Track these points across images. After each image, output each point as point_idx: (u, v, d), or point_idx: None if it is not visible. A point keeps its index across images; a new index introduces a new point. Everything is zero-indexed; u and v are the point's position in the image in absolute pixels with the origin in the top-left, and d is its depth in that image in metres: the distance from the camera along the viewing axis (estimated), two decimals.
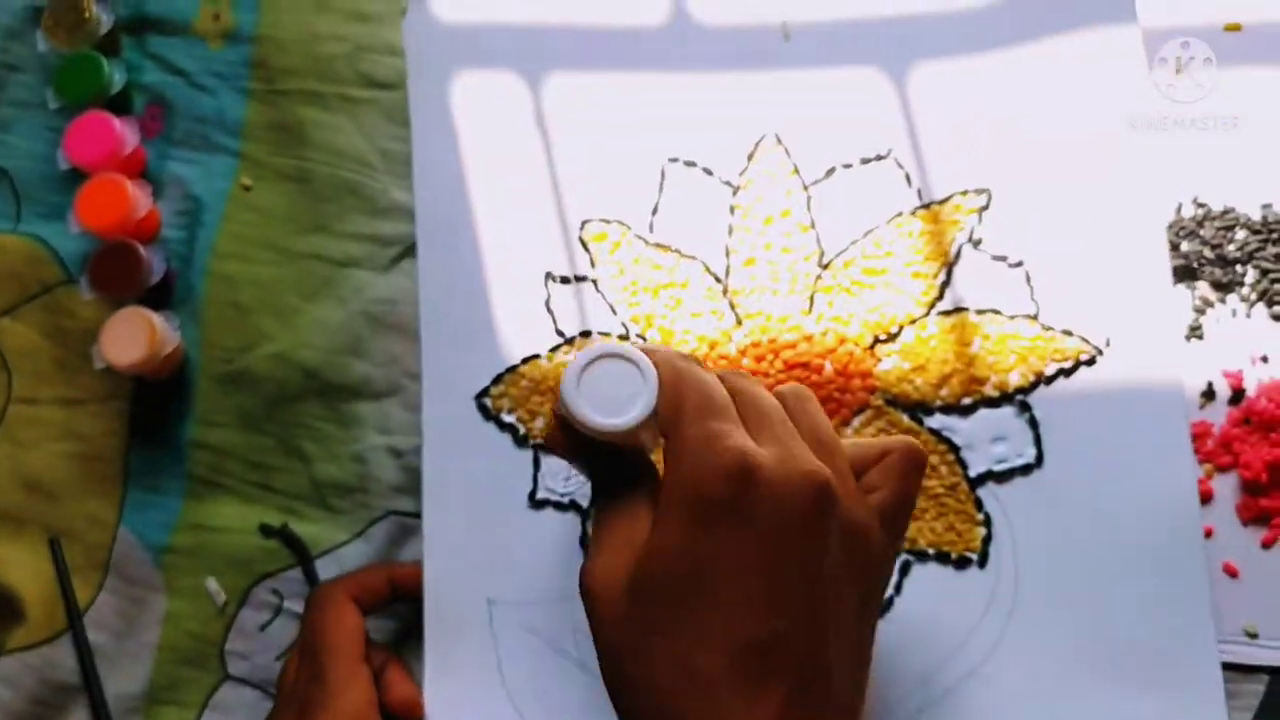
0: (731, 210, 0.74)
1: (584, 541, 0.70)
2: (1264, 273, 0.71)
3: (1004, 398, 0.70)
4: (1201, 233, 0.72)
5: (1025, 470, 0.69)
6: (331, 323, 0.75)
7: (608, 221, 0.75)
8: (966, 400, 0.70)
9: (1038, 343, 0.70)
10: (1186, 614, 0.67)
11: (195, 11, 0.80)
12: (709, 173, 0.75)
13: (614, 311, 0.73)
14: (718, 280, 0.73)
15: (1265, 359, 0.70)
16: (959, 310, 0.71)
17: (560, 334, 0.73)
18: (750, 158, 0.75)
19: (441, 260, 0.75)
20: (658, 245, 0.74)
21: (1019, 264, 0.72)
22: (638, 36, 0.77)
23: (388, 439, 0.73)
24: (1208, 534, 0.68)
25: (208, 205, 0.77)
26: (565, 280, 0.74)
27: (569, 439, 0.57)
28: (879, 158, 0.74)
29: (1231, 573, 0.68)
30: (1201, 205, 0.72)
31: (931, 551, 0.69)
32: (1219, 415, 0.70)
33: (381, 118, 0.78)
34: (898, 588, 0.69)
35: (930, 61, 0.75)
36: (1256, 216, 0.72)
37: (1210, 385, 0.70)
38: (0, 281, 0.77)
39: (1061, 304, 0.71)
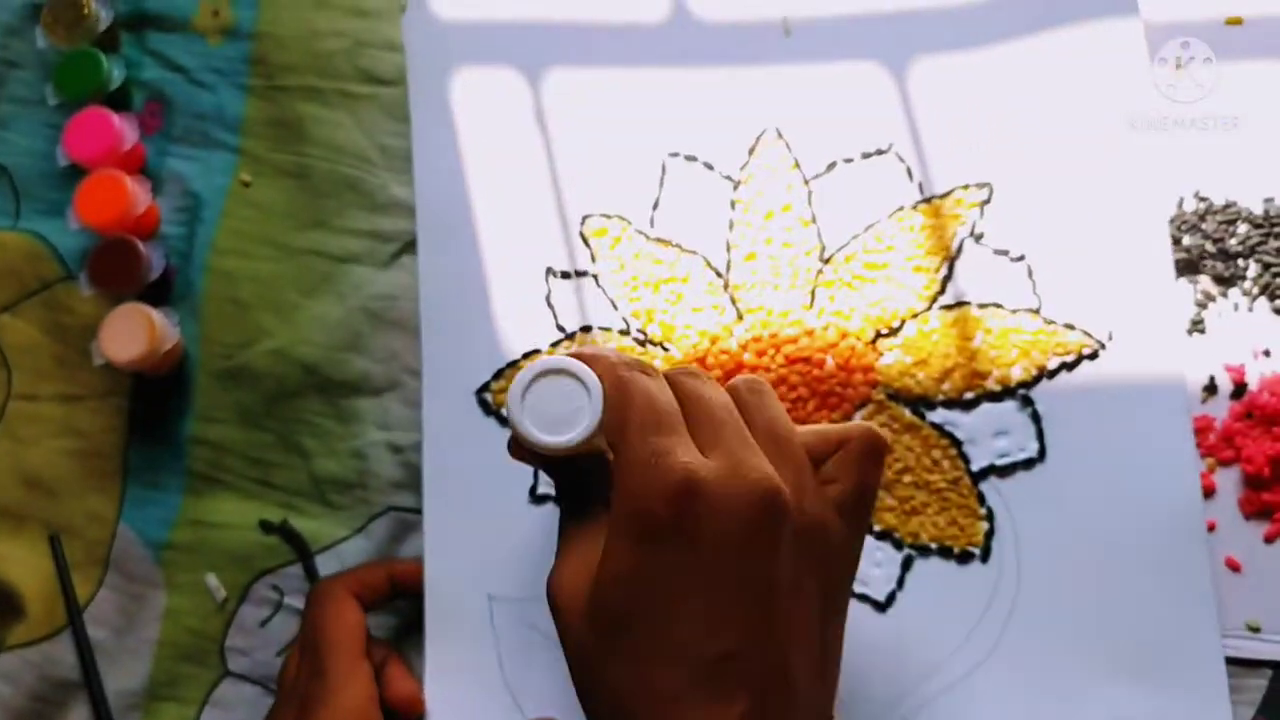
0: (732, 205, 0.74)
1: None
2: (1266, 267, 0.71)
3: (1006, 392, 0.70)
4: (1203, 227, 0.72)
5: (1028, 465, 0.69)
6: (331, 319, 0.75)
7: (608, 216, 0.74)
8: (969, 395, 0.70)
9: (1040, 337, 0.70)
10: (1190, 609, 0.67)
11: (194, 8, 0.79)
12: (710, 167, 0.75)
13: (615, 306, 0.73)
14: (719, 275, 0.73)
15: (1267, 353, 0.70)
16: (961, 304, 0.71)
17: (561, 329, 0.73)
18: (751, 152, 0.75)
19: (442, 256, 0.74)
20: (658, 240, 0.74)
21: (1021, 258, 0.72)
22: (638, 32, 0.77)
23: (387, 435, 0.73)
24: (1210, 529, 0.68)
25: (207, 201, 0.77)
26: (566, 275, 0.74)
27: (526, 454, 0.56)
28: (880, 152, 0.74)
29: (1234, 567, 0.68)
30: (1203, 199, 0.72)
31: (934, 546, 0.69)
32: (1221, 409, 0.70)
33: (381, 113, 0.78)
34: (900, 582, 0.69)
35: (932, 55, 0.75)
36: (1258, 210, 0.72)
37: (1212, 379, 0.70)
38: (0, 278, 0.77)
39: (1064, 298, 0.71)
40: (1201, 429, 0.69)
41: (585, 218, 0.75)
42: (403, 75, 0.78)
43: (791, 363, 0.71)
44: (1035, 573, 0.68)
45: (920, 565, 0.69)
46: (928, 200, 0.73)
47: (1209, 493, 0.69)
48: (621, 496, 0.51)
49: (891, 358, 0.71)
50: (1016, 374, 0.70)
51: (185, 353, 0.75)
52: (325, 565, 0.72)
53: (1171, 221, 0.72)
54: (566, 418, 0.53)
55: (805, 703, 0.51)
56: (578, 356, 0.54)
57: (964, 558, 0.69)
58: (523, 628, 0.70)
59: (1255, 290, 0.71)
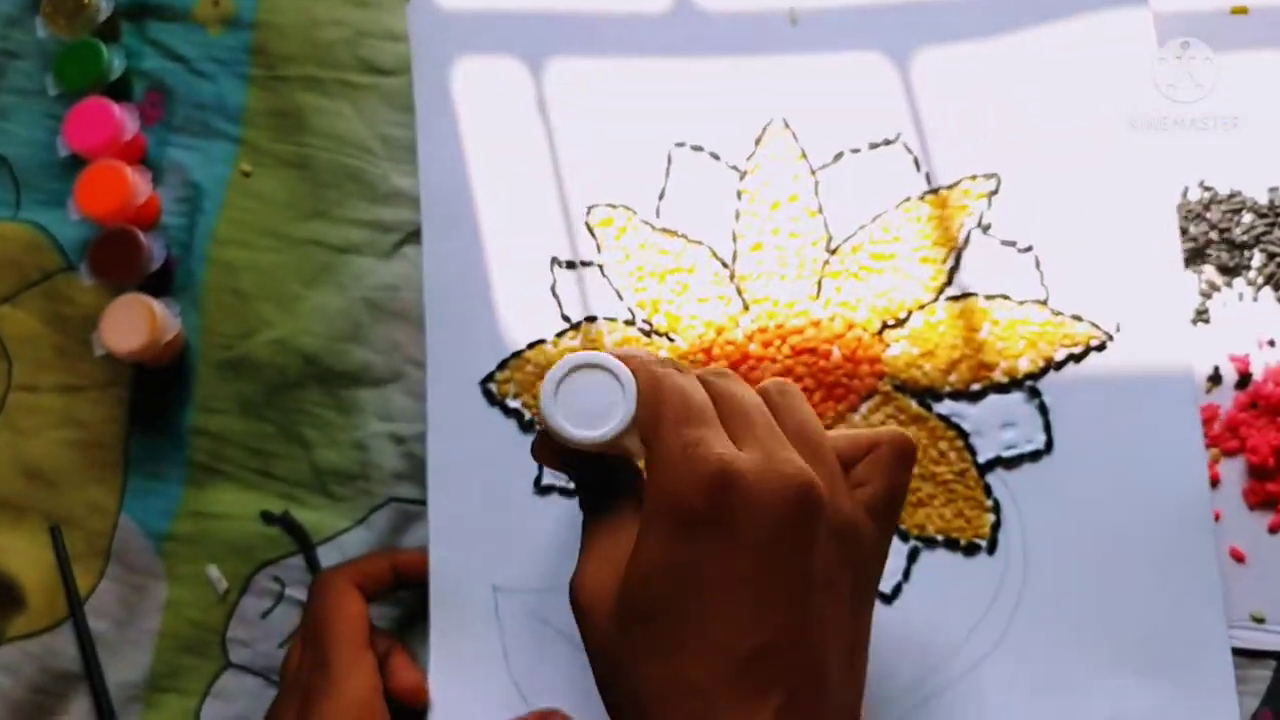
0: (739, 195, 0.74)
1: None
2: (1271, 256, 0.71)
3: (1013, 383, 0.70)
4: (1208, 216, 0.72)
5: (1035, 456, 0.69)
6: (332, 309, 0.75)
7: (614, 206, 0.74)
8: (975, 386, 0.70)
9: (1047, 328, 0.70)
10: (1196, 600, 0.67)
11: None
12: (716, 157, 0.75)
13: (620, 297, 0.73)
14: (725, 265, 0.73)
15: (1272, 343, 0.70)
16: (968, 295, 0.71)
17: (566, 319, 0.73)
18: (758, 142, 0.75)
19: (446, 246, 0.74)
20: (664, 230, 0.74)
21: (1028, 249, 0.72)
22: (644, 21, 0.77)
23: (389, 425, 0.73)
24: (1214, 519, 0.68)
25: (208, 192, 0.77)
26: (571, 265, 0.74)
27: (553, 450, 0.56)
28: (887, 142, 0.74)
29: (1238, 558, 0.68)
30: (1208, 189, 0.72)
31: (940, 538, 0.69)
32: (1225, 399, 0.70)
33: (382, 103, 0.77)
34: (906, 574, 0.69)
35: (939, 45, 0.75)
36: (1263, 200, 0.72)
37: (1217, 369, 0.70)
38: (0, 269, 0.77)
39: (1071, 289, 0.71)
40: (1206, 419, 0.69)
41: (591, 208, 0.74)
42: (404, 65, 0.77)
43: (798, 354, 0.71)
44: (1042, 565, 0.68)
45: (926, 557, 0.69)
46: (935, 191, 0.73)
47: (1213, 483, 0.69)
48: (656, 489, 0.51)
49: (898, 349, 0.71)
50: (1024, 365, 0.70)
51: (186, 343, 0.75)
52: (326, 556, 0.72)
53: (1176, 211, 0.72)
54: (600, 413, 0.53)
55: (836, 700, 0.51)
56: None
57: (970, 550, 0.69)
58: (527, 619, 0.69)
59: (1260, 280, 0.71)
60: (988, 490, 0.69)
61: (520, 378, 0.72)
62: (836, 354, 0.71)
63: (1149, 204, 0.72)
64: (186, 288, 0.76)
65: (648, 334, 0.72)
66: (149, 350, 0.71)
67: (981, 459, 0.69)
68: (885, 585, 0.68)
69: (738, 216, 0.74)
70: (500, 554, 0.70)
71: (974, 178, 0.73)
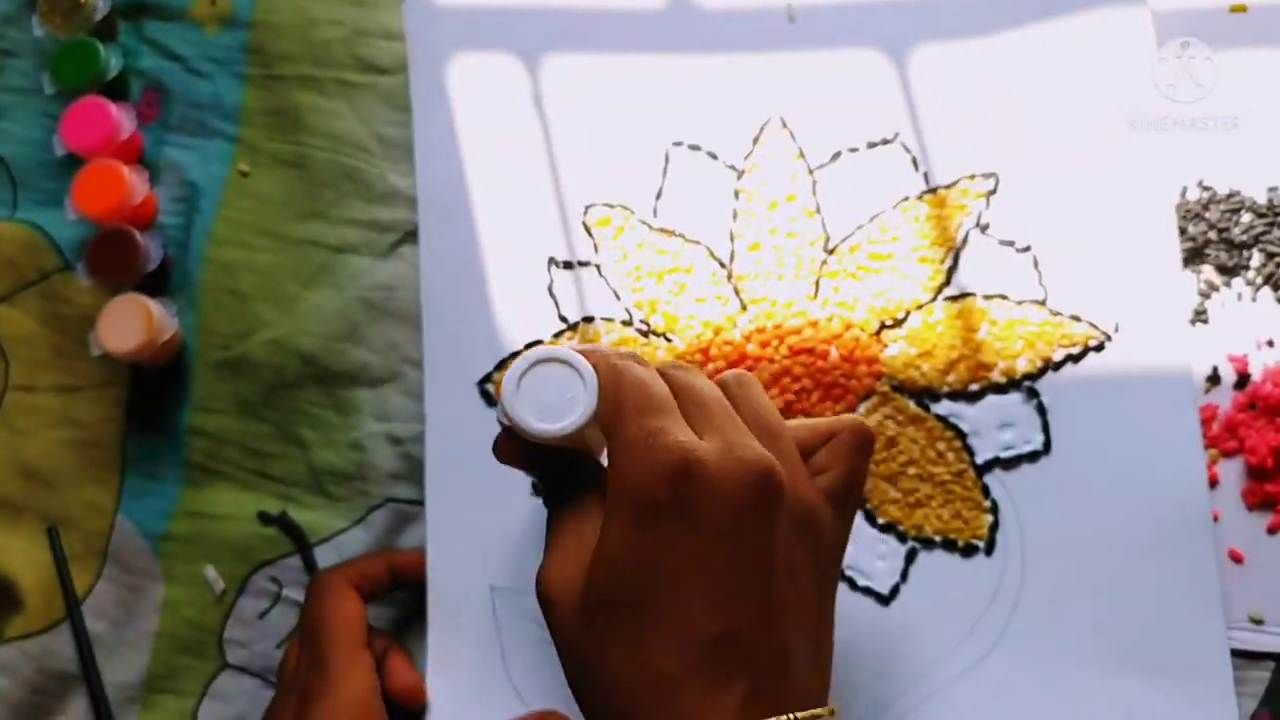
0: (736, 195, 0.74)
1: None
2: (1269, 256, 0.71)
3: (1011, 384, 0.70)
4: (1207, 216, 0.72)
5: (1033, 457, 0.69)
6: (329, 309, 0.74)
7: (611, 206, 0.74)
8: (974, 386, 0.70)
9: (1046, 328, 0.70)
10: (1195, 601, 0.67)
11: None
12: (713, 157, 0.74)
13: (617, 297, 0.73)
14: (722, 265, 0.73)
15: (1271, 343, 0.70)
16: (966, 296, 0.71)
17: (563, 319, 0.73)
18: (755, 141, 0.74)
19: (443, 245, 0.74)
20: (661, 230, 0.74)
21: (1027, 249, 0.72)
22: (641, 19, 0.77)
23: (386, 426, 0.73)
24: (1213, 520, 0.68)
25: (205, 191, 0.77)
26: (568, 265, 0.74)
27: (516, 446, 0.56)
28: (885, 142, 0.74)
29: (1237, 559, 0.68)
30: (1207, 189, 0.72)
31: (938, 539, 0.69)
32: (1224, 400, 0.70)
33: (379, 103, 0.77)
34: (904, 575, 0.69)
35: (937, 44, 0.75)
36: (1262, 200, 0.72)
37: (1215, 370, 0.70)
38: None
39: (1070, 289, 0.71)
40: (1204, 420, 0.69)
41: (588, 207, 0.74)
42: (401, 64, 0.77)
43: (795, 354, 0.71)
44: (1040, 566, 0.68)
45: (924, 558, 0.69)
46: (933, 190, 0.73)
47: (1212, 484, 0.69)
48: (618, 479, 0.51)
49: (896, 349, 0.71)
50: (1022, 366, 0.70)
51: (183, 343, 0.75)
52: (324, 557, 0.72)
53: (1175, 210, 0.72)
54: (561, 406, 0.53)
55: (802, 686, 0.52)
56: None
57: (968, 550, 0.68)
58: (525, 620, 0.69)
59: (1259, 280, 0.71)
60: (986, 491, 0.69)
61: None
62: (834, 354, 0.71)
63: (1147, 203, 0.72)
64: (183, 287, 0.76)
65: (645, 334, 0.72)
66: (146, 350, 0.71)
67: (979, 459, 0.69)
68: (883, 586, 0.68)
69: (735, 216, 0.73)
70: (498, 554, 0.70)
71: (972, 177, 0.73)
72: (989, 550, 0.68)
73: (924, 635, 0.68)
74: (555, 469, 0.56)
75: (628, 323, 0.72)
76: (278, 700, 0.67)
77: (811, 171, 0.74)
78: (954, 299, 0.71)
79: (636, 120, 0.75)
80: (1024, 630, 0.67)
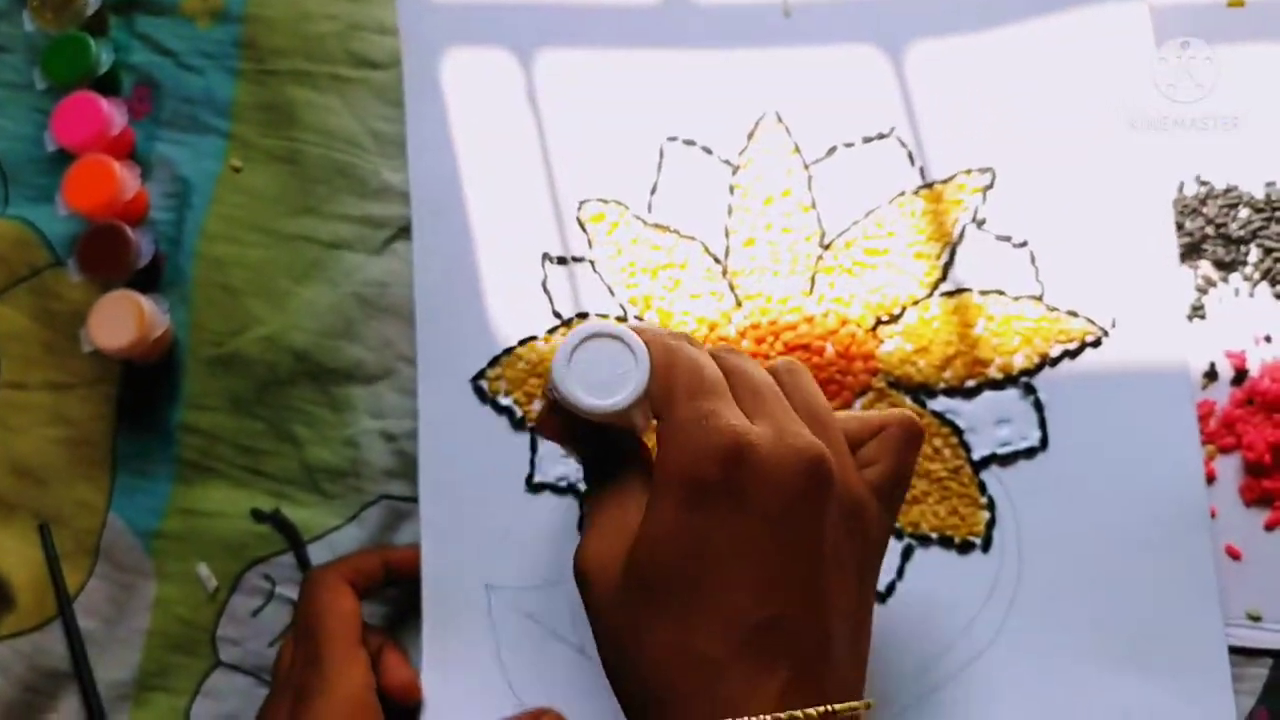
0: (731, 190, 0.74)
1: (582, 526, 0.70)
2: (1267, 251, 0.71)
3: (1008, 380, 0.70)
4: (1204, 211, 0.71)
5: (1029, 453, 0.69)
6: (322, 305, 0.74)
7: (605, 202, 0.74)
8: (970, 382, 0.70)
9: (1042, 324, 0.70)
10: (1192, 597, 0.67)
11: None
12: (708, 152, 0.74)
13: (612, 293, 0.73)
14: (717, 261, 0.73)
15: (1268, 339, 0.70)
16: (962, 291, 0.71)
17: (557, 315, 0.73)
18: (750, 136, 0.74)
19: (437, 242, 0.74)
20: (656, 225, 0.73)
21: (1023, 244, 0.71)
22: (635, 13, 0.76)
23: (380, 423, 0.73)
24: (1210, 516, 0.68)
25: (196, 187, 0.76)
26: (562, 261, 0.73)
27: (560, 421, 0.56)
28: (881, 136, 0.74)
29: (1234, 555, 0.68)
30: (1204, 184, 0.72)
31: (934, 536, 0.69)
32: (1221, 396, 0.70)
33: (372, 98, 0.77)
34: (900, 572, 0.68)
35: (933, 38, 0.74)
36: (1260, 195, 0.72)
37: (1213, 365, 0.70)
38: None
39: (1067, 284, 0.71)
40: (1202, 415, 0.69)
41: (582, 203, 0.74)
42: (395, 59, 0.77)
43: (791, 350, 0.70)
44: (1036, 562, 0.68)
45: (920, 555, 0.69)
46: (929, 185, 0.73)
47: (1209, 480, 0.69)
48: (668, 458, 0.51)
49: (892, 345, 0.71)
50: (1018, 362, 0.70)
51: (175, 340, 0.74)
52: (317, 554, 0.72)
53: (1172, 206, 0.72)
54: (612, 382, 0.53)
55: (841, 676, 0.51)
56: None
57: (965, 547, 0.68)
58: (520, 616, 0.69)
59: (1256, 275, 0.71)
60: (982, 487, 0.69)
61: (511, 375, 0.72)
62: (830, 350, 0.70)
63: (1145, 199, 0.71)
64: (175, 284, 0.75)
65: None
66: (137, 347, 0.71)
67: (976, 456, 0.69)
68: (880, 583, 0.68)
69: (730, 211, 0.73)
70: (492, 551, 0.70)
71: (969, 172, 0.73)
72: (985, 547, 0.68)
73: (921, 632, 0.68)
74: (598, 446, 0.56)
75: (622, 318, 0.72)
76: (273, 697, 0.67)
77: (807, 166, 0.73)
78: (950, 294, 0.71)
79: (631, 115, 0.75)
80: (1021, 627, 0.67)
